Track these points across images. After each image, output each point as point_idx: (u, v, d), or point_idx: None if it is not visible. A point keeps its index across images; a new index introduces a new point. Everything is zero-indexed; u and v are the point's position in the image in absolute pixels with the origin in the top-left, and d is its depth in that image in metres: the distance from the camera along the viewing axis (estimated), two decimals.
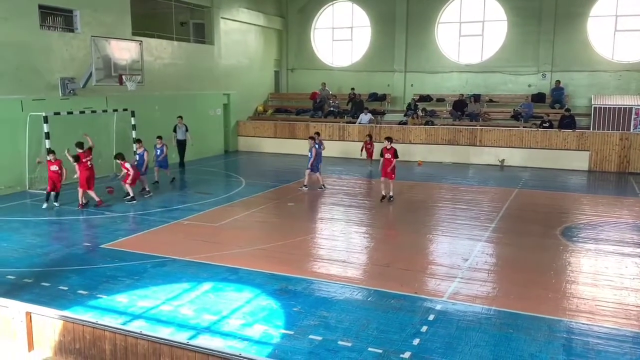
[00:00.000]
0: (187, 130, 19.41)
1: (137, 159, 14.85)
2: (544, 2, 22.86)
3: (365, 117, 23.27)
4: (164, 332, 6.67)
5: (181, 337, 6.36)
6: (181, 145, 19.65)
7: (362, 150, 19.85)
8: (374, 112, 24.07)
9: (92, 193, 13.31)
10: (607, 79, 22.50)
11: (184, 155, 19.90)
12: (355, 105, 24.70)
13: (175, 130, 19.37)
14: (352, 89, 25.38)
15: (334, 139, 23.19)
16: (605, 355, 6.25)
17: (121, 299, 7.84)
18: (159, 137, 16.22)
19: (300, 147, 23.50)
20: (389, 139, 14.60)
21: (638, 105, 20.13)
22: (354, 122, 23.53)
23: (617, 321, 7.15)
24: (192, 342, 4.31)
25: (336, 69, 27.21)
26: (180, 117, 19.49)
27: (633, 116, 20.01)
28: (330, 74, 26.95)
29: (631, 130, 19.81)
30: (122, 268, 9.18)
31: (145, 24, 20.34)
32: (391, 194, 14.31)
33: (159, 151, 16.11)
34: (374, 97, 25.52)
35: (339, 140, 23.12)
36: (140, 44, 17.72)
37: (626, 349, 6.41)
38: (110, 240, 10.75)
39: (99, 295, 7.97)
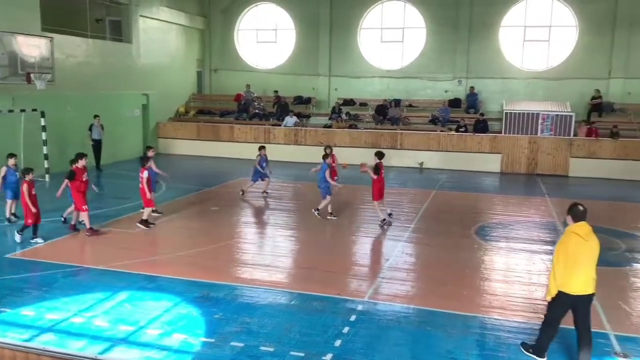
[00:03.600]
0: (102, 129, 18.70)
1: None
2: (460, 12, 23.92)
3: (290, 120, 23.30)
4: (75, 346, 6.30)
5: (94, 350, 6.05)
6: (97, 145, 18.84)
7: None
8: (299, 115, 24.15)
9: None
10: (516, 86, 23.90)
11: (99, 157, 19.10)
12: (280, 107, 24.67)
13: (90, 129, 18.56)
14: (275, 91, 25.35)
15: (259, 142, 23.01)
16: (515, 348, 6.58)
17: (27, 312, 7.32)
18: (12, 156, 12.08)
19: (225, 150, 23.20)
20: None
21: (544, 110, 21.53)
22: (280, 125, 23.49)
23: (525, 315, 7.57)
24: (102, 356, 4.08)
25: (261, 70, 27.03)
26: (97, 116, 18.68)
27: (540, 121, 21.36)
28: (255, 75, 26.74)
29: (538, 134, 21.15)
30: (29, 279, 8.60)
31: (57, 19, 19.20)
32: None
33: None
34: (299, 100, 25.61)
35: (265, 143, 22.94)
36: (50, 40, 16.74)
37: (534, 341, 6.77)
38: (17, 249, 10.03)
39: (2, 309, 7.39)
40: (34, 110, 16.43)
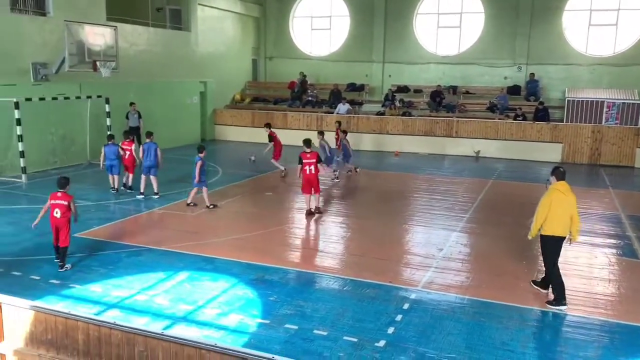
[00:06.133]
0: (140, 117, 19.00)
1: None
2: None
3: (343, 107, 23.28)
4: (139, 322, 6.63)
5: (156, 327, 6.34)
6: (132, 132, 19.16)
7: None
8: (352, 103, 24.10)
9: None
10: (580, 73, 22.89)
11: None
12: (333, 95, 24.70)
13: (127, 117, 18.96)
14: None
15: (311, 129, 23.16)
16: (573, 342, 6.42)
17: (95, 289, 7.76)
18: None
19: (279, 136, 23.38)
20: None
21: (610, 98, 20.55)
22: (332, 112, 23.54)
23: (585, 310, 7.34)
24: (167, 332, 4.29)
25: (315, 58, 27.11)
26: (133, 103, 18.92)
27: (605, 109, 20.43)
28: (309, 63, 26.85)
29: (602, 123, 20.23)
30: (96, 257, 9.07)
31: (120, 9, 19.94)
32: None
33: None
34: (352, 87, 25.55)
35: (317, 130, 23.09)
36: (115, 29, 17.38)
37: (594, 336, 6.59)
38: (84, 229, 10.55)
39: (72, 285, 7.86)
40: (99, 96, 17.20)
